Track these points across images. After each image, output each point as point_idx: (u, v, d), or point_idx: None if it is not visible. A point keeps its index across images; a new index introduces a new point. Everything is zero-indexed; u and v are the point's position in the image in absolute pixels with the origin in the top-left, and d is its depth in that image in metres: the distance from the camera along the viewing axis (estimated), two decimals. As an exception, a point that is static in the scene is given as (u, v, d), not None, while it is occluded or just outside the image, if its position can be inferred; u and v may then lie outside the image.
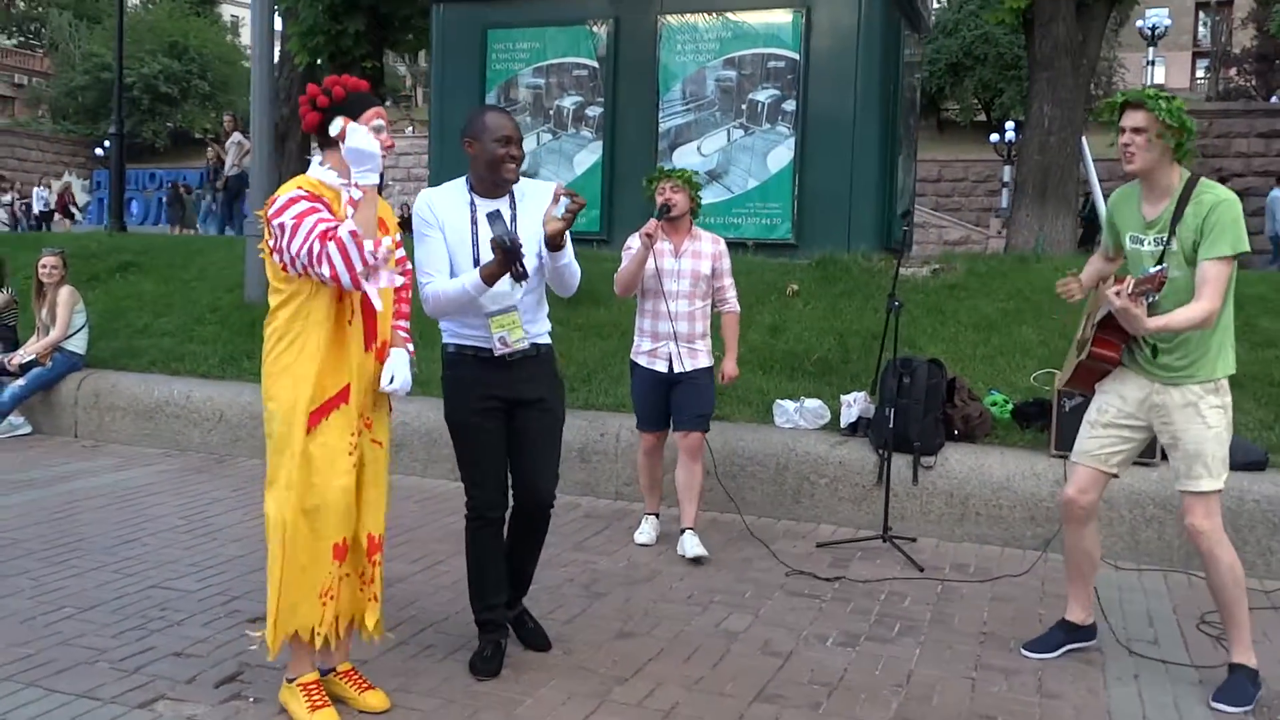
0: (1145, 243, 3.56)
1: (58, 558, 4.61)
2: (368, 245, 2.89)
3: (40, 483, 5.97)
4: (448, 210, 3.45)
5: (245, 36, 37.87)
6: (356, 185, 2.95)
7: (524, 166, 9.91)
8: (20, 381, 7.10)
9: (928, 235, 28.95)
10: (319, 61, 12.68)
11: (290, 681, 3.18)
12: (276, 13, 13.38)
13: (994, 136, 29.46)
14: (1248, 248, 3.42)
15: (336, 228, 2.90)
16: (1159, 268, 3.47)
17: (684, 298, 4.92)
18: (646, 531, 5.16)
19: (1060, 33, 9.31)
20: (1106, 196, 13.52)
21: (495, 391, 3.49)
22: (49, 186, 27.70)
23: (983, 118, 35.52)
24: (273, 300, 3.07)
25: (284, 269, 2.98)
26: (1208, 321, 3.41)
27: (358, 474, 3.15)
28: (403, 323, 3.35)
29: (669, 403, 4.99)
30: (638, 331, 5.04)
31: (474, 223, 3.44)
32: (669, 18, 9.09)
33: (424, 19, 11.56)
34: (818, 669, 3.69)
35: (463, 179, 3.54)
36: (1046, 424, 5.46)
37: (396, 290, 3.32)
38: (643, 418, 5.09)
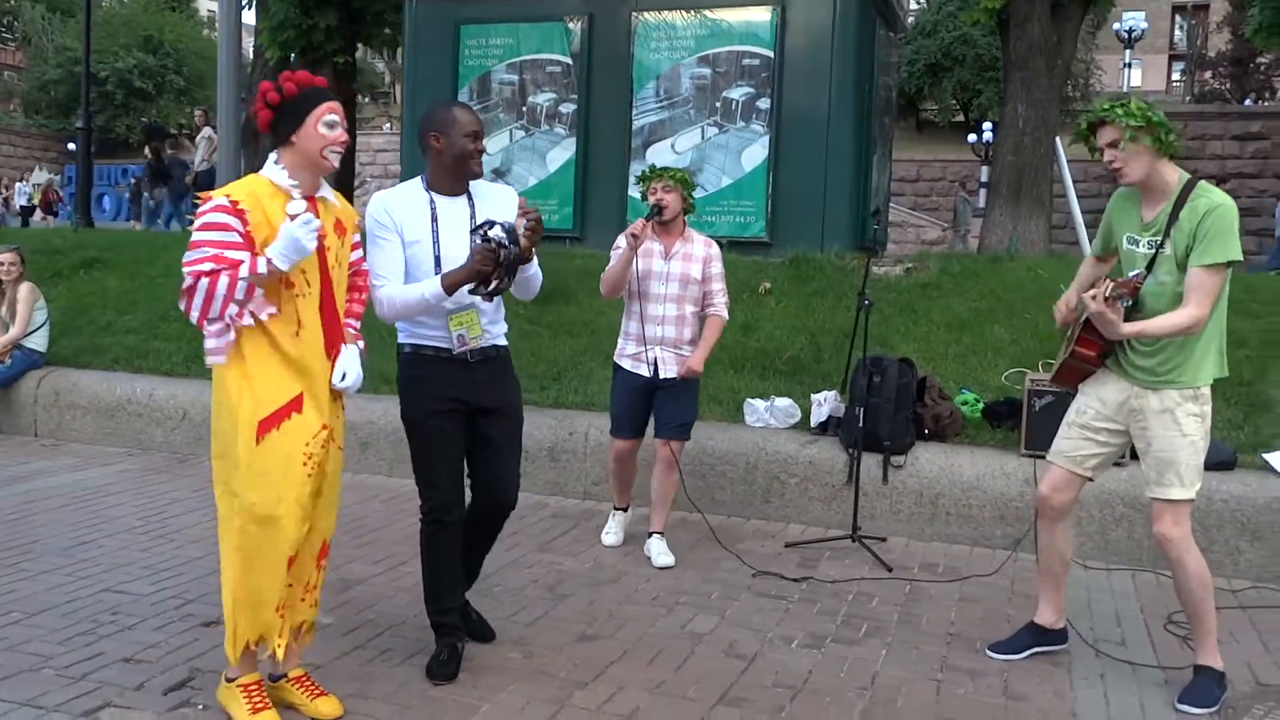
0: (1140, 244, 3.50)
1: (9, 560, 4.50)
2: (232, 308, 2.86)
3: (-4, 483, 5.85)
4: (406, 213, 3.37)
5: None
6: (270, 261, 2.85)
7: (497, 164, 9.81)
8: (-21, 379, 6.97)
9: (906, 235, 29.00)
10: (291, 57, 12.55)
11: (230, 682, 3.11)
12: (247, 7, 13.26)
13: (972, 137, 29.56)
14: (1239, 256, 3.35)
15: (217, 273, 2.83)
16: (1135, 272, 3.46)
17: (672, 301, 4.74)
18: (614, 531, 5.06)
19: (1035, 33, 9.31)
20: (1081, 198, 13.56)
21: (455, 394, 3.44)
22: (26, 179, 27.43)
23: (961, 118, 35.65)
24: None
25: None
26: (1193, 329, 3.34)
27: (318, 481, 3.07)
28: (354, 320, 3.28)
29: (647, 410, 4.84)
30: (623, 334, 4.87)
31: (434, 220, 3.38)
32: (644, 14, 9.02)
33: (397, 14, 11.45)
34: (782, 671, 3.64)
35: (417, 179, 3.48)
36: (1017, 423, 5.43)
37: (350, 291, 3.26)
38: (619, 423, 4.90)
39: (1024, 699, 3.49)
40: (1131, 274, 3.44)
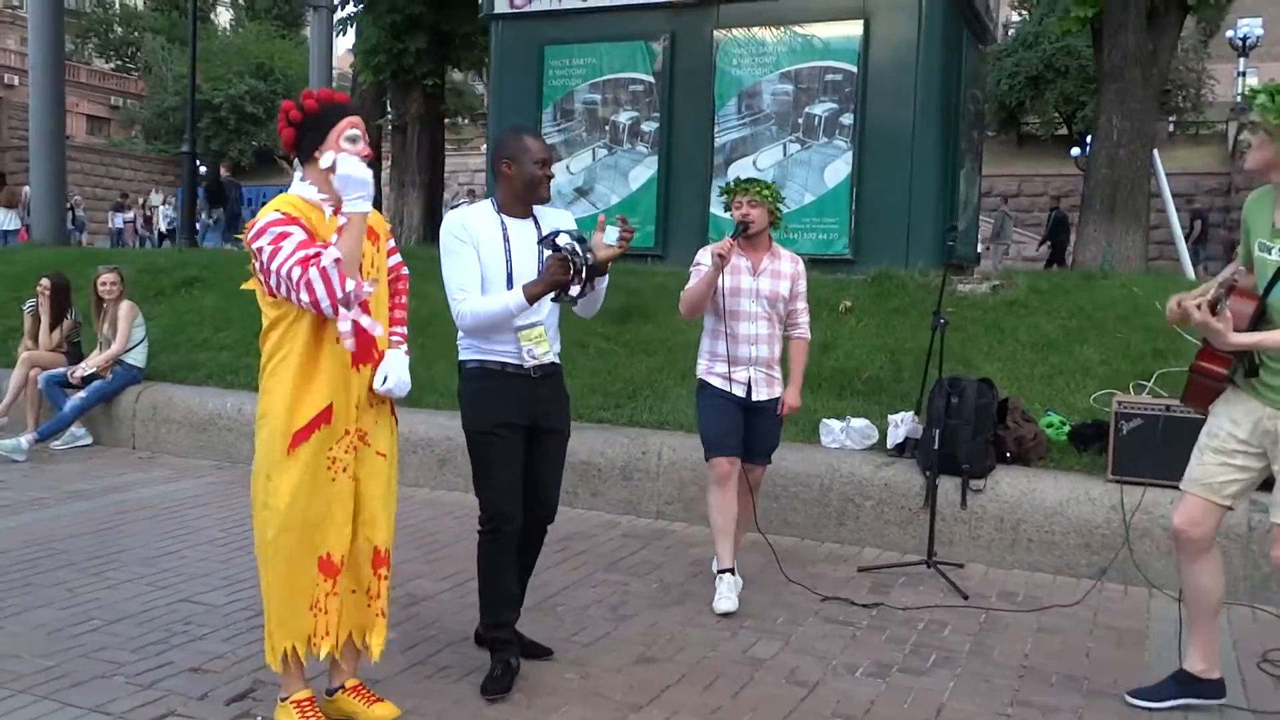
0: (1273, 251, 3.27)
1: (94, 569, 4.67)
2: (349, 283, 2.88)
3: (91, 494, 6.09)
4: (482, 229, 3.51)
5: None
6: (344, 214, 2.93)
7: (580, 183, 9.85)
8: (81, 394, 7.27)
9: (1007, 252, 28.31)
10: (384, 80, 12.87)
11: (284, 700, 3.18)
12: (341, 33, 13.67)
13: (1075, 150, 28.74)
14: None
15: (319, 255, 2.88)
16: (1232, 270, 3.27)
17: (762, 319, 4.49)
18: (727, 596, 4.36)
19: (1130, 42, 8.96)
20: (1179, 212, 13.01)
21: (520, 408, 3.53)
22: (171, 203, 28.74)
23: (1064, 131, 34.69)
24: (264, 322, 3.09)
25: (270, 293, 3.00)
26: None
27: (358, 487, 3.15)
28: (398, 328, 3.34)
29: (744, 426, 4.52)
30: (708, 354, 4.55)
31: (506, 240, 3.51)
32: (727, 31, 9.00)
33: (484, 36, 11.65)
34: (843, 700, 3.54)
35: (488, 202, 3.63)
36: (1104, 447, 5.21)
37: (391, 297, 3.32)
38: (717, 442, 4.44)
39: (1098, 738, 3.33)
40: (1230, 273, 3.25)
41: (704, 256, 4.51)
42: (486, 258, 3.47)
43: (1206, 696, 3.51)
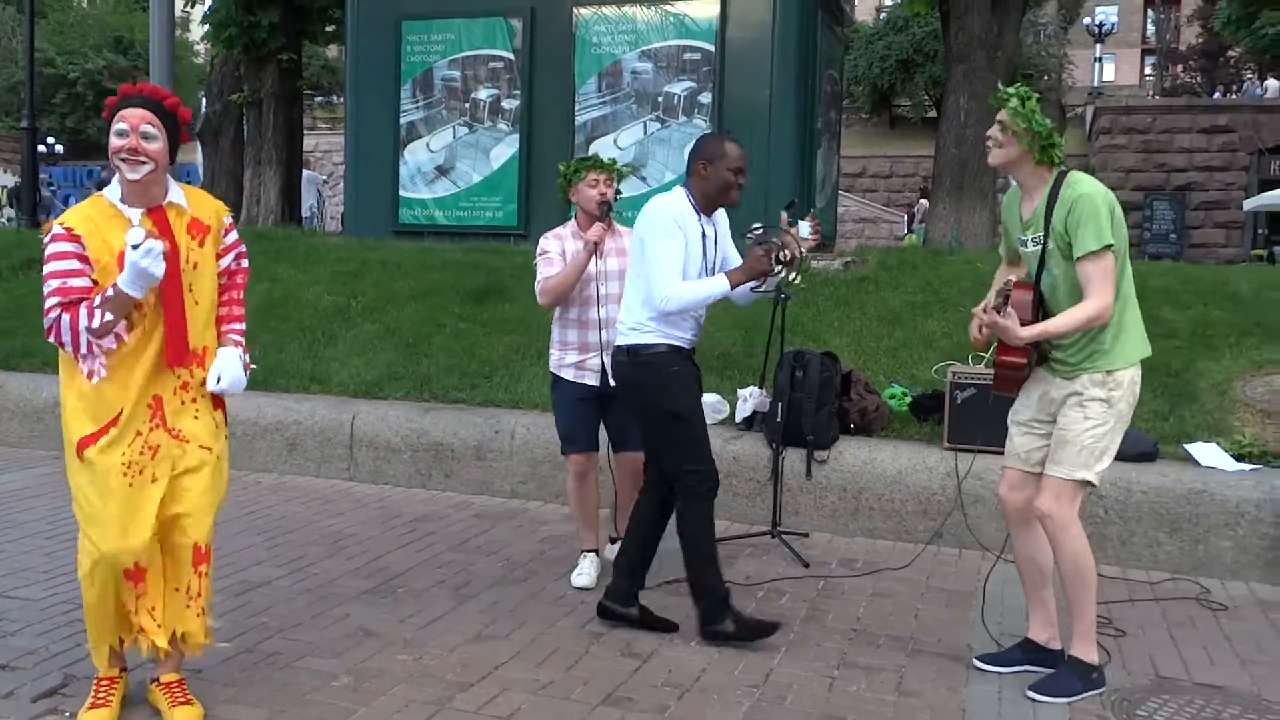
0: (1028, 244, 3.52)
1: (-97, 566, 4.42)
2: (84, 339, 2.87)
3: (-90, 488, 5.75)
4: (689, 221, 3.81)
5: (194, 31, 37.36)
6: (118, 288, 2.83)
7: (440, 161, 9.59)
8: (-99, 383, 6.85)
9: (879, 231, 29.02)
10: (237, 54, 12.39)
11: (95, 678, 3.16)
12: (191, 6, 13.15)
13: (943, 132, 29.55)
14: (1110, 239, 3.31)
15: (79, 303, 2.85)
16: (1007, 280, 3.54)
17: (614, 301, 4.32)
18: (586, 572, 4.45)
19: (975, 25, 9.25)
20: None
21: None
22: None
23: (933, 114, 35.66)
24: None
25: None
26: (1099, 318, 3.33)
27: (177, 484, 3.05)
28: (235, 324, 3.24)
29: (599, 419, 4.48)
30: (559, 344, 4.45)
31: (703, 235, 3.86)
32: (584, 9, 8.94)
33: (340, 10, 11.31)
34: (676, 670, 3.59)
35: (683, 193, 3.88)
36: (942, 416, 5.39)
37: (226, 291, 3.20)
38: (571, 439, 4.45)
39: (915, 695, 3.45)
40: (1005, 281, 3.52)
41: (550, 245, 4.45)
42: (690, 249, 3.77)
43: (1048, 665, 3.63)
